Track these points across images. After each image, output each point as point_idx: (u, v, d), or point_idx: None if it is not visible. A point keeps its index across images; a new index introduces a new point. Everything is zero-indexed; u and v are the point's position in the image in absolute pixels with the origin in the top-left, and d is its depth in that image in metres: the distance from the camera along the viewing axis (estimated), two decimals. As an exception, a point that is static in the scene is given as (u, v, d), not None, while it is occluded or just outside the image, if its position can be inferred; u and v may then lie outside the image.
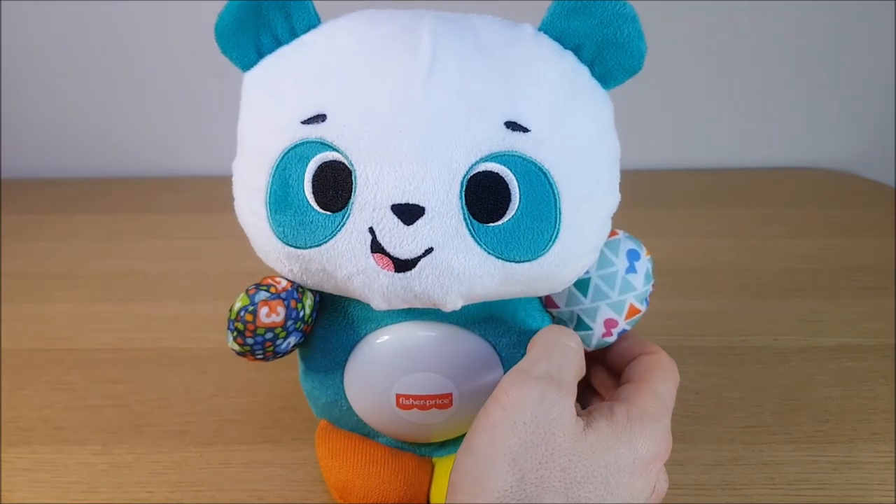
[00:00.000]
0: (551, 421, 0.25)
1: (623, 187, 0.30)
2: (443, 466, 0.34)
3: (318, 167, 0.27)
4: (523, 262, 0.27)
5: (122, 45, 0.73)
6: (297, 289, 0.30)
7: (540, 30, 0.28)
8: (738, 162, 0.78)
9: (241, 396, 0.44)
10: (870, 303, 0.52)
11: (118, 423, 0.41)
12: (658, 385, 0.28)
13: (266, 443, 0.40)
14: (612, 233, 0.31)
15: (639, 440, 0.26)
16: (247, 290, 0.29)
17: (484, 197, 0.26)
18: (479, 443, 0.25)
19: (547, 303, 0.32)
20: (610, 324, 0.31)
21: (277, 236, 0.28)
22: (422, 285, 0.27)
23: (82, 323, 0.52)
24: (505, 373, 0.31)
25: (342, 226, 0.27)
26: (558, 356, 0.27)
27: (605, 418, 0.26)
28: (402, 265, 0.26)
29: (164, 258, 0.61)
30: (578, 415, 0.26)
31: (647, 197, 0.69)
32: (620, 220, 0.30)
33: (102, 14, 0.71)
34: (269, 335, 0.29)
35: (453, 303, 0.27)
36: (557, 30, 0.28)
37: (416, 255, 0.26)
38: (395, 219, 0.26)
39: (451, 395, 0.31)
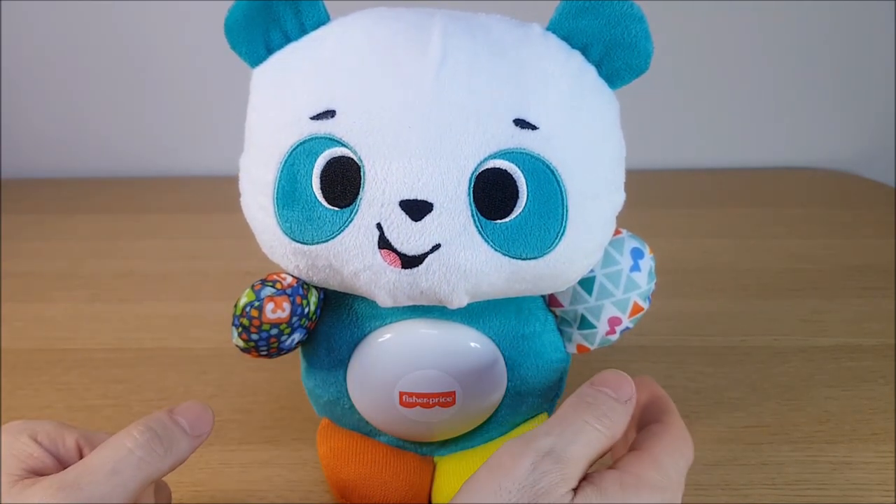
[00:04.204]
0: (538, 491, 0.23)
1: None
2: (445, 466, 0.34)
3: (327, 163, 0.27)
4: (530, 259, 0.27)
5: (122, 46, 0.73)
6: (303, 285, 0.30)
7: (548, 29, 0.28)
8: (738, 162, 0.78)
9: (241, 396, 0.44)
10: (870, 303, 0.52)
11: (118, 423, 0.41)
12: (661, 455, 0.26)
13: (266, 443, 0.40)
14: (616, 231, 0.31)
15: None
16: (252, 286, 0.29)
17: (492, 193, 0.26)
18: (461, 500, 0.24)
19: (551, 301, 0.32)
20: (614, 322, 0.31)
21: (284, 232, 0.28)
22: (428, 282, 0.27)
23: (82, 323, 0.52)
24: (508, 371, 0.31)
25: (350, 221, 0.27)
26: (571, 432, 0.25)
27: (595, 486, 0.24)
28: (410, 261, 0.26)
29: (164, 258, 0.61)
30: (578, 484, 0.24)
31: (647, 197, 0.69)
32: (620, 219, 0.30)
33: (102, 14, 0.71)
34: (274, 331, 0.29)
35: (459, 300, 0.27)
36: (565, 29, 0.28)
37: (423, 252, 0.26)
38: (403, 215, 0.26)
39: (454, 393, 0.31)
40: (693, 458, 0.27)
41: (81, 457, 0.27)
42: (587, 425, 0.25)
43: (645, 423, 0.28)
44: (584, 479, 0.25)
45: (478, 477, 0.25)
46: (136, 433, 0.26)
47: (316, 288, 0.31)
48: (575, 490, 0.24)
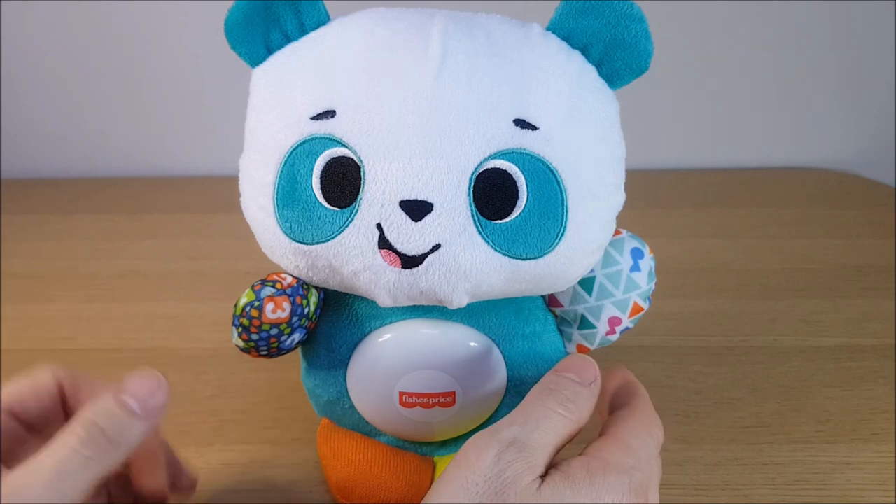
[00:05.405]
0: (504, 481, 0.24)
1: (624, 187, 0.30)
2: (444, 466, 0.34)
3: (327, 163, 0.27)
4: (530, 259, 0.27)
5: (122, 46, 0.73)
6: (303, 285, 0.30)
7: (548, 29, 0.28)
8: (738, 162, 0.78)
9: (241, 396, 0.44)
10: (870, 303, 0.52)
11: (118, 423, 0.41)
12: (628, 437, 0.26)
13: (266, 443, 0.40)
14: (616, 231, 0.31)
15: (602, 494, 0.24)
16: (252, 286, 0.29)
17: (492, 194, 0.26)
18: (431, 500, 0.24)
19: (550, 302, 0.32)
20: (614, 322, 0.31)
21: (284, 232, 0.28)
22: (428, 282, 0.27)
23: (82, 323, 0.52)
24: (508, 372, 0.31)
25: (350, 222, 0.27)
26: (534, 420, 0.25)
27: (562, 473, 0.24)
28: (410, 261, 0.26)
29: (164, 258, 0.61)
30: (546, 472, 0.25)
31: (647, 197, 0.69)
32: (620, 219, 0.30)
33: (102, 14, 0.71)
34: (273, 331, 0.29)
35: (459, 300, 0.27)
36: (565, 30, 0.28)
37: (423, 252, 0.26)
38: (403, 215, 0.26)
39: (454, 393, 0.31)
40: (663, 438, 0.27)
41: (64, 398, 0.27)
42: (550, 411, 0.26)
43: (615, 409, 0.29)
44: (553, 466, 0.25)
45: (446, 474, 0.25)
46: (81, 430, 0.24)
47: (316, 288, 0.31)
48: (542, 478, 0.24)
